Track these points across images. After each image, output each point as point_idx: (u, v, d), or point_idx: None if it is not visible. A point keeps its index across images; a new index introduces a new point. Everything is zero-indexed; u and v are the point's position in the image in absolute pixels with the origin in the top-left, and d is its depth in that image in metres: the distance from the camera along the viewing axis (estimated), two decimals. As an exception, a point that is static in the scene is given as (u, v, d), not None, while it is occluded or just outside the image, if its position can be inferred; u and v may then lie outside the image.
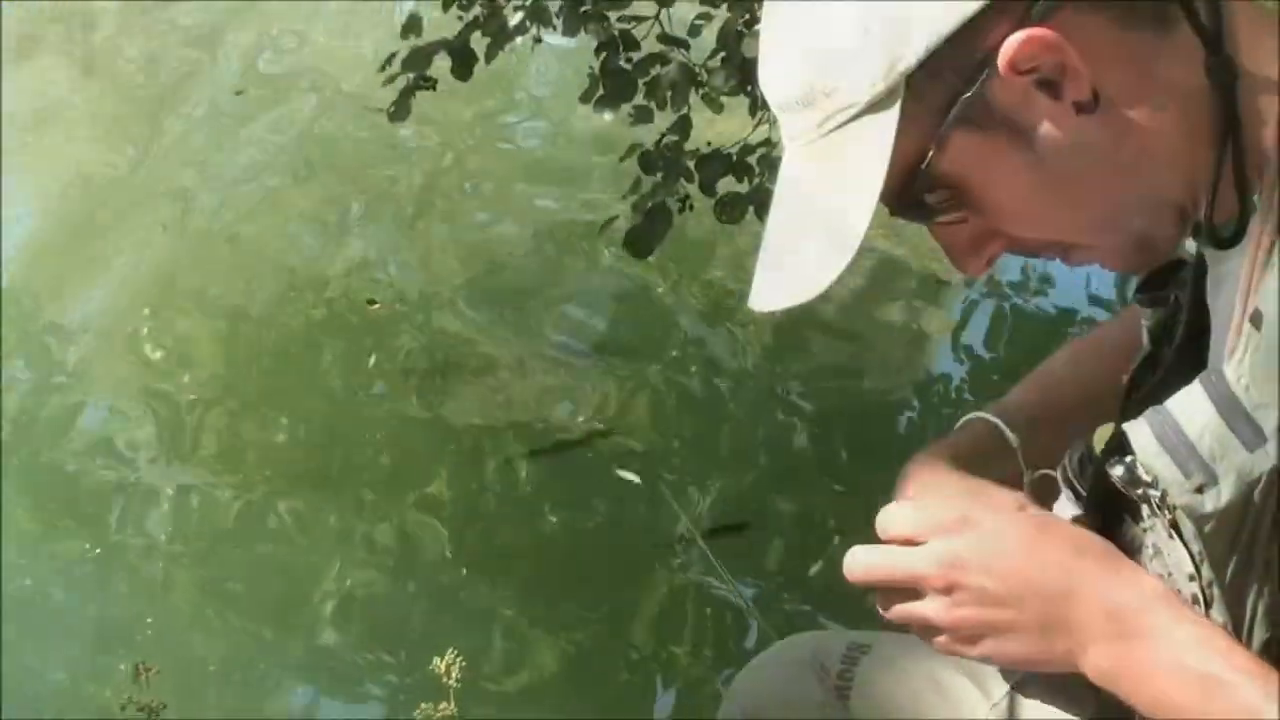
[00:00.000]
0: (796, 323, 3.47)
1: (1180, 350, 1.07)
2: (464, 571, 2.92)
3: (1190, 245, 1.05)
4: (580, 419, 3.27)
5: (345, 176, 4.14)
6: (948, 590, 0.99)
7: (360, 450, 3.23)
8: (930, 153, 0.94)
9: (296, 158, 4.25)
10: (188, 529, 3.03)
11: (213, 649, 2.76)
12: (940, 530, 1.00)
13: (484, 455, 3.18)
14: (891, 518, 1.03)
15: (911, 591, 1.01)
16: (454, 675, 1.70)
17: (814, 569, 2.85)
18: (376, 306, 3.61)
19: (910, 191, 0.96)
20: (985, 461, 1.19)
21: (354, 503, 3.09)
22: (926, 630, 1.02)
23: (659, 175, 2.87)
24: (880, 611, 1.04)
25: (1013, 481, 1.16)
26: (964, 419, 1.26)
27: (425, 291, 3.71)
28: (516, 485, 3.11)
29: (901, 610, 1.02)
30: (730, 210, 2.89)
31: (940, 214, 0.99)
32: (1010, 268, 3.64)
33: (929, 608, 1.01)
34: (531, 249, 3.84)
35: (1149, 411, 0.97)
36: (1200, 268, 1.04)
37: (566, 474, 3.12)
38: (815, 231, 0.97)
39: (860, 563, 1.03)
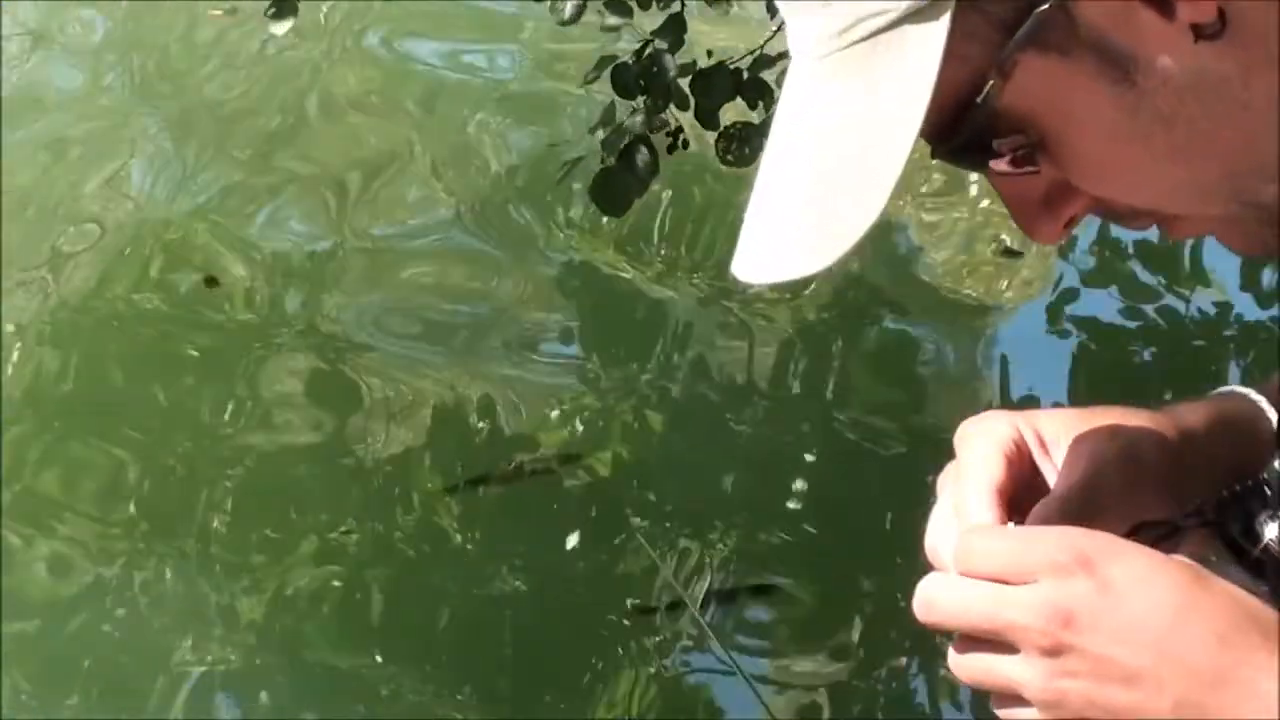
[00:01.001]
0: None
1: None
2: (375, 650, 2.76)
3: None
4: (525, 440, 3.13)
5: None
6: (1053, 652, 0.80)
7: (222, 491, 3.05)
8: (990, 81, 0.81)
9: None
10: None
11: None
12: (1052, 569, 0.82)
13: (398, 490, 3.02)
14: (982, 548, 0.85)
15: (998, 642, 0.83)
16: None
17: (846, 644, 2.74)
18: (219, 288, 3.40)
19: (962, 131, 0.83)
20: (1207, 442, 0.99)
21: (217, 559, 2.92)
22: (1010, 700, 0.84)
23: (639, 99, 2.62)
24: (952, 664, 0.87)
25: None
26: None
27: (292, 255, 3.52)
28: (443, 531, 2.96)
29: (982, 667, 0.84)
30: (738, 147, 2.61)
31: (1003, 161, 0.85)
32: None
33: (1022, 671, 0.82)
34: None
35: None
36: None
37: (511, 515, 2.99)
38: (828, 178, 0.83)
39: (943, 600, 0.85)
